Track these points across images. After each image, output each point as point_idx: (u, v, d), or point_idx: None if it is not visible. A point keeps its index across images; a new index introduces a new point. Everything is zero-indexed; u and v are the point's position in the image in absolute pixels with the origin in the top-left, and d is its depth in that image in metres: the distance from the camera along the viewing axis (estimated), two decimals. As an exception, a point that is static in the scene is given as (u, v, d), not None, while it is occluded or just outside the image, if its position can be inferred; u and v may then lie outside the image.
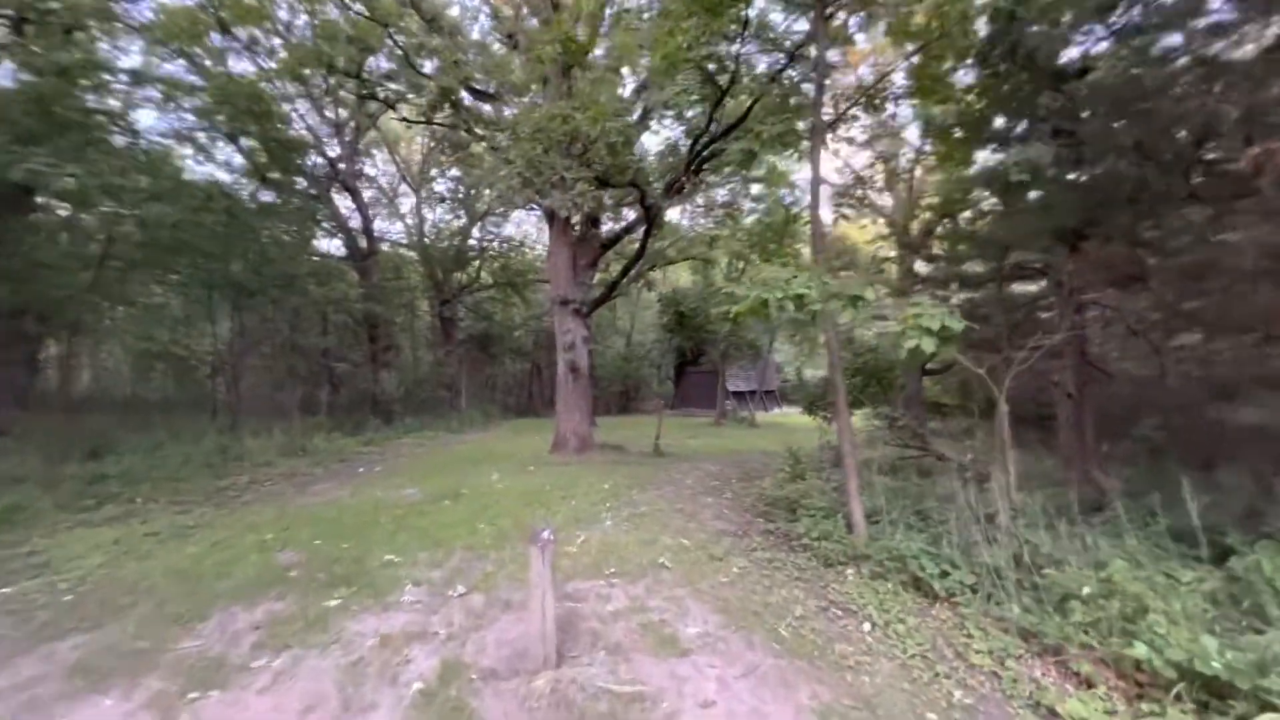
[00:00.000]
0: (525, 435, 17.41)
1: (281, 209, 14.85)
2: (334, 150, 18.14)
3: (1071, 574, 3.45)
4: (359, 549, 5.34)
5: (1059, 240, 6.05)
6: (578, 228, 13.37)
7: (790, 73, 5.93)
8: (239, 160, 14.86)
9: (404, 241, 24.45)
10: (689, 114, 12.46)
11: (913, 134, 17.90)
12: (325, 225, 18.43)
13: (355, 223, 19.39)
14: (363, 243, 18.92)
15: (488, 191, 22.28)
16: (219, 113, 12.78)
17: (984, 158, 8.72)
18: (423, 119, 12.47)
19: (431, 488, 8.36)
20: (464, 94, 12.59)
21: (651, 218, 11.45)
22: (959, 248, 13.74)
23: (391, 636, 3.66)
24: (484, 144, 11.28)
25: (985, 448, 8.18)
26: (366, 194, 22.44)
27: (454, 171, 22.57)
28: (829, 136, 7.38)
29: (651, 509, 7.03)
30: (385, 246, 23.59)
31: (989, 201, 9.47)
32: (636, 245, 12.98)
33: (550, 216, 12.59)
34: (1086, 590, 3.27)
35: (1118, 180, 4.49)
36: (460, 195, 23.40)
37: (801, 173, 18.05)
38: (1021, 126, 5.43)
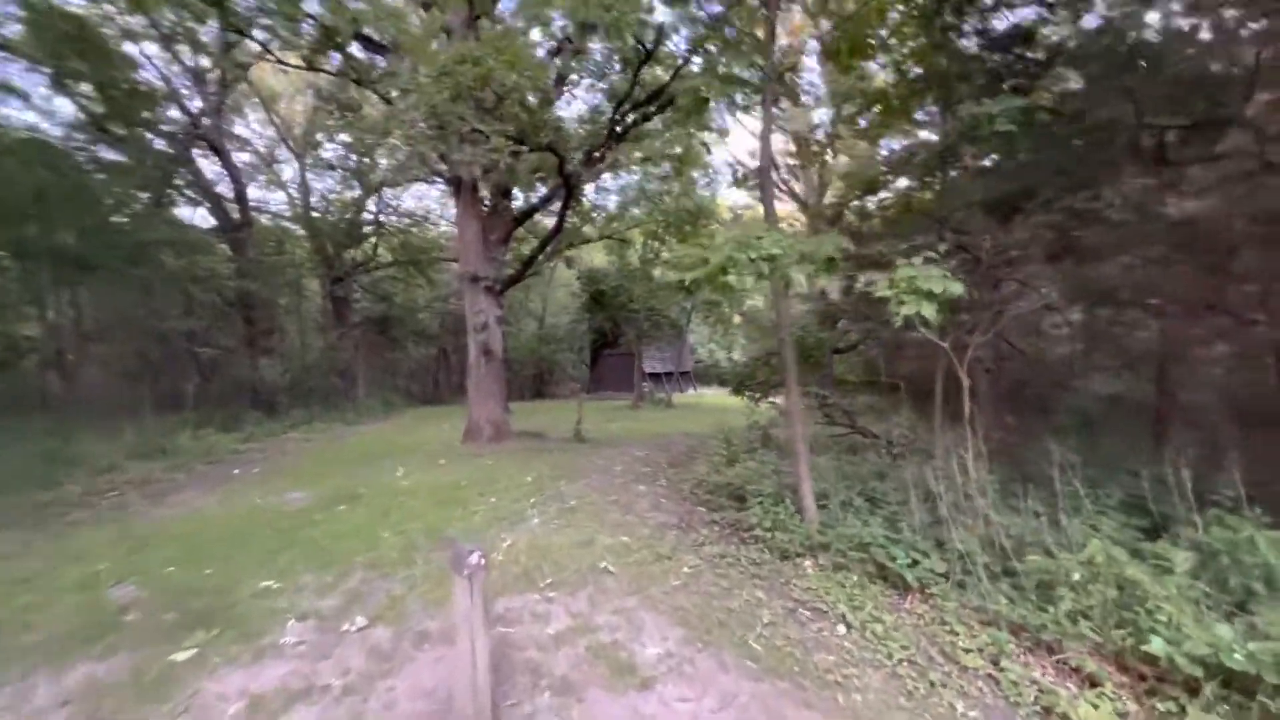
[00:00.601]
0: (432, 424, 16.12)
1: (128, 169, 12.54)
2: (196, 105, 15.67)
3: (1059, 558, 3.21)
4: (225, 575, 4.30)
5: (993, 212, 5.97)
6: (488, 199, 12.29)
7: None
8: (71, 110, 12.39)
9: (287, 214, 21.88)
10: (610, 77, 11.75)
11: (824, 115, 18.19)
12: (187, 192, 15.97)
13: (226, 189, 16.98)
14: (235, 212, 16.58)
15: (383, 161, 20.42)
16: (36, 49, 10.48)
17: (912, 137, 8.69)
18: (303, 65, 10.82)
19: (323, 490, 7.24)
20: (354, 47, 11.10)
21: (571, 188, 10.64)
22: (871, 224, 14.05)
23: (264, 697, 2.80)
24: (377, 100, 9.91)
25: (909, 424, 8.23)
26: (240, 158, 19.81)
27: (344, 137, 20.36)
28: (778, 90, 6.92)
29: (582, 502, 6.38)
30: (265, 219, 21.02)
31: (903, 183, 9.53)
32: (552, 221, 12.08)
33: (457, 186, 11.43)
34: (1076, 576, 3.03)
35: (1090, 140, 4.35)
36: (351, 164, 21.22)
37: (716, 154, 17.87)
38: (975, 86, 5.23)
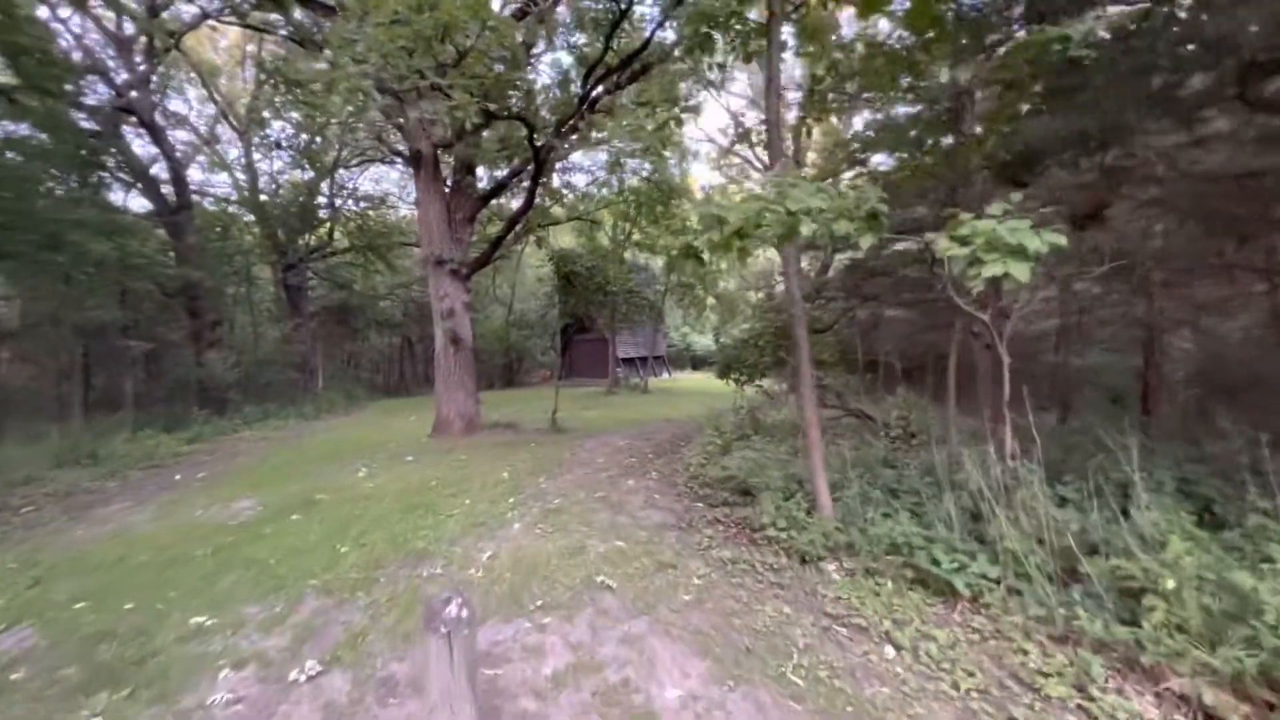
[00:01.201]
0: (398, 417, 15.28)
1: (45, 148, 11.26)
2: (124, 78, 14.26)
3: (1140, 559, 2.77)
4: (148, 611, 3.59)
5: (1006, 174, 5.51)
6: (452, 178, 11.45)
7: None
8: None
9: (233, 197, 20.42)
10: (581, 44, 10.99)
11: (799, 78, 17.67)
12: (120, 174, 14.60)
13: (165, 171, 15.59)
14: (174, 195, 15.26)
15: (337, 141, 19.17)
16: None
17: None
18: (238, 22, 9.76)
19: (275, 496, 6.48)
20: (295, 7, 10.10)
21: (541, 162, 9.88)
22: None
23: (182, 788, 2.17)
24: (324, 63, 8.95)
25: (907, 406, 7.84)
26: (179, 137, 18.36)
27: (294, 114, 19.00)
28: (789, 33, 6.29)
29: (568, 501, 5.79)
30: (209, 203, 19.60)
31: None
32: (521, 206, 11.23)
33: (417, 161, 10.57)
34: (1171, 584, 2.59)
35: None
36: (301, 144, 19.86)
37: (688, 132, 17.20)
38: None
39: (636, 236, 22.72)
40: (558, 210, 20.19)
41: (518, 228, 11.40)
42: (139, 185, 14.91)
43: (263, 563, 4.33)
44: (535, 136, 9.10)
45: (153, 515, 6.02)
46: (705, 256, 3.08)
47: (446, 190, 11.06)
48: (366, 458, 8.87)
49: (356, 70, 5.01)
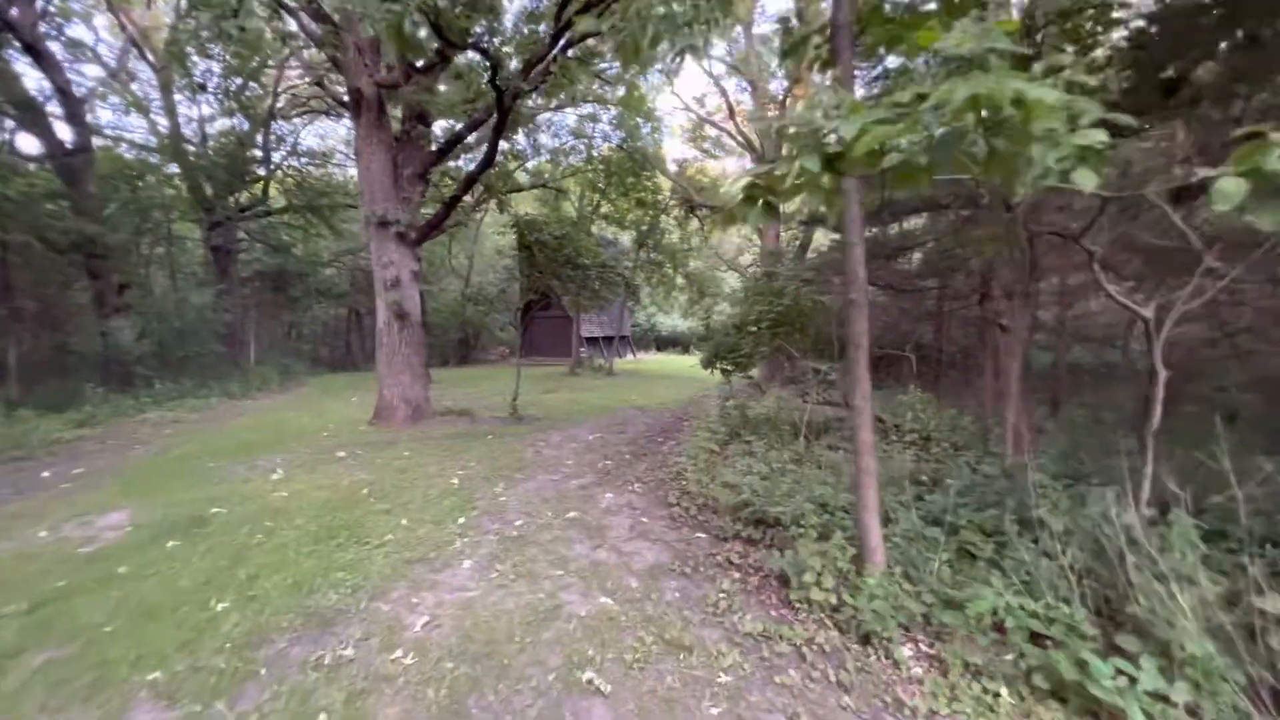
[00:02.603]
0: (338, 397, 13.71)
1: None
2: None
3: None
4: None
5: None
6: (401, 127, 9.86)
7: None
8: None
9: (153, 145, 17.96)
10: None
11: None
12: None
13: (60, 108, 13.30)
14: (72, 137, 13.04)
15: (270, 73, 17.03)
16: None
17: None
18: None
19: (157, 509, 5.08)
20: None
21: (505, 109, 8.43)
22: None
23: None
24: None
25: (919, 405, 6.93)
26: (85, 74, 15.94)
27: (219, 51, 16.68)
28: None
29: (532, 524, 4.61)
30: (127, 150, 17.22)
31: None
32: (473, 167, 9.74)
33: (356, 103, 8.97)
34: None
35: None
36: (233, 86, 17.56)
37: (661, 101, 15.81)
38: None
39: (606, 209, 21.40)
40: (521, 176, 18.64)
41: (477, 186, 9.93)
42: (23, 121, 12.66)
43: (92, 633, 3.01)
44: (500, 77, 7.66)
45: (-22, 537, 4.55)
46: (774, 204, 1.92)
47: (394, 140, 9.52)
48: (289, 451, 7.46)
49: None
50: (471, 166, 12.37)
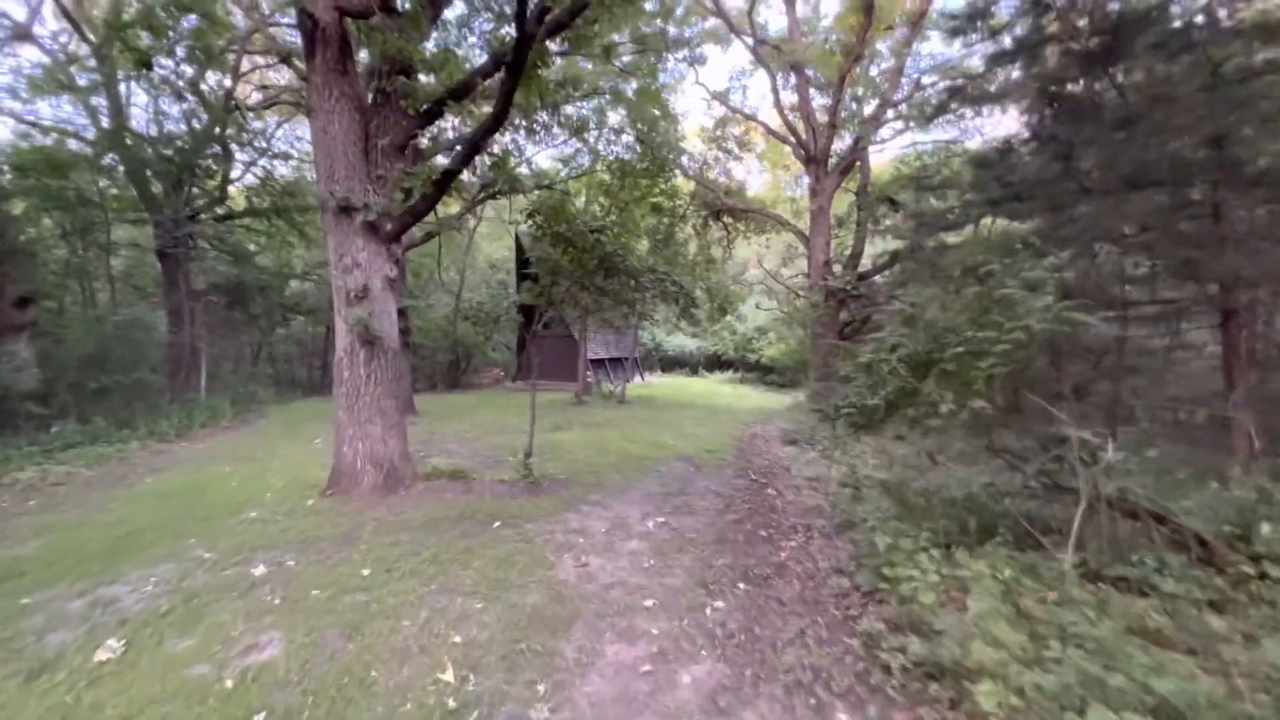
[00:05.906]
0: (298, 436, 10.88)
1: None
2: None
3: None
4: None
5: None
6: (374, 79, 7.15)
7: None
8: None
9: (87, 133, 15.16)
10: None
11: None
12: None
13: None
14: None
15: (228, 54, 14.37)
16: None
17: None
18: None
19: None
20: None
21: (520, 55, 5.80)
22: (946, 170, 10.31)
23: None
24: None
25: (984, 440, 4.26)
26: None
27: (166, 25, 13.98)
28: None
29: None
30: (49, 139, 14.41)
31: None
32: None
33: (310, 37, 6.32)
34: None
35: None
36: (188, 73, 14.87)
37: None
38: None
39: (614, 216, 18.77)
40: (523, 171, 16.03)
41: (482, 153, 7.21)
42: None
43: None
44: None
45: None
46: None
47: (365, 95, 6.88)
48: (178, 558, 4.67)
49: None
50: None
